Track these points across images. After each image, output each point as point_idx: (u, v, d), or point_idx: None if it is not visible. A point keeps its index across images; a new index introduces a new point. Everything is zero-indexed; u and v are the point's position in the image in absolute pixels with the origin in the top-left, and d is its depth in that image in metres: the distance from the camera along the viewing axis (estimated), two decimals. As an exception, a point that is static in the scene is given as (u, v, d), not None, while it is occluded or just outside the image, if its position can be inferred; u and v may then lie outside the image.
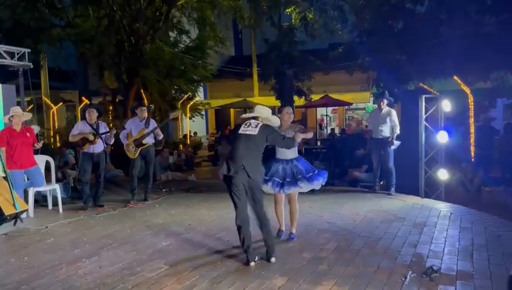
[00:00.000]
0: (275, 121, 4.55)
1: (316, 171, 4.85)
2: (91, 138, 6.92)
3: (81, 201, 7.13)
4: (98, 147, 7.05)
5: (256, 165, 4.21)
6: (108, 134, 7.13)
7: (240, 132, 4.25)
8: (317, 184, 4.81)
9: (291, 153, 4.87)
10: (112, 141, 7.38)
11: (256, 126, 4.22)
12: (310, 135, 4.80)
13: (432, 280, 3.67)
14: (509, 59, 10.06)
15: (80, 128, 7.03)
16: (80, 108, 17.88)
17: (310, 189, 4.86)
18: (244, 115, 4.44)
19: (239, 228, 4.24)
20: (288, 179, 4.77)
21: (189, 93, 17.67)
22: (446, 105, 7.19)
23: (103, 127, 7.19)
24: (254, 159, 4.21)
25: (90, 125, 7.03)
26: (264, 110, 4.43)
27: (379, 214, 6.09)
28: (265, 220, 4.26)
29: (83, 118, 7.29)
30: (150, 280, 3.88)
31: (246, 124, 4.27)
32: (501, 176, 9.46)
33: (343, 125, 22.68)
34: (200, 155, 17.91)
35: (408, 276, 3.77)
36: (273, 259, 4.22)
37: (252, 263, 4.15)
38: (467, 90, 10.28)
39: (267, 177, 4.78)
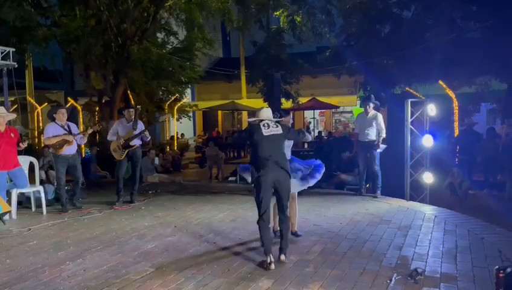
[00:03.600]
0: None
1: (313, 166, 5.15)
2: (70, 139, 6.79)
3: (61, 204, 7.00)
4: (73, 148, 6.91)
5: (285, 158, 4.53)
6: (81, 135, 7.00)
7: (264, 134, 4.42)
8: (319, 176, 5.10)
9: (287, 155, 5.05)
10: (84, 142, 7.28)
11: (277, 126, 4.53)
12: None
13: (416, 283, 3.70)
14: (493, 65, 10.25)
15: (53, 130, 6.81)
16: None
17: (313, 183, 5.13)
18: (251, 120, 4.70)
19: (262, 227, 4.29)
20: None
21: (177, 95, 17.61)
22: (431, 109, 7.29)
23: (74, 128, 7.05)
24: (283, 154, 4.51)
25: (62, 126, 6.87)
26: (270, 112, 4.70)
27: (365, 217, 6.14)
28: (286, 214, 4.47)
29: (51, 119, 6.99)
30: (135, 282, 3.84)
31: (265, 126, 4.47)
32: (484, 180, 9.61)
33: (331, 128, 22.82)
34: (188, 157, 17.84)
35: (393, 278, 3.80)
36: (282, 256, 4.31)
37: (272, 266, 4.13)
38: (452, 94, 10.44)
39: None
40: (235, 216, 6.34)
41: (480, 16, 10.37)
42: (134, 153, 7.40)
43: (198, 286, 3.73)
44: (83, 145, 8.31)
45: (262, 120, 4.53)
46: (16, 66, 7.71)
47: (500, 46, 9.67)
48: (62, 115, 6.91)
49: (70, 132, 6.86)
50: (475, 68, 10.63)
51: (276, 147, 4.43)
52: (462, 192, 8.76)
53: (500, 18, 9.52)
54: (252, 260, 4.37)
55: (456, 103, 11.24)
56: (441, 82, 10.72)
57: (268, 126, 4.48)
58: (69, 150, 6.85)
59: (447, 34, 10.32)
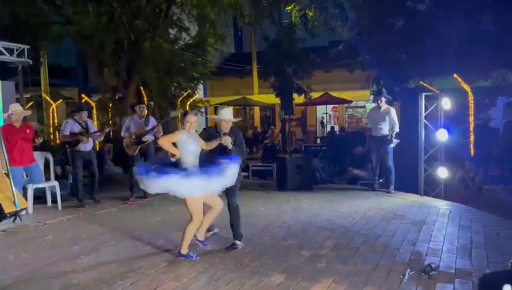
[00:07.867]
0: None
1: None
2: (85, 138, 7.00)
3: (77, 198, 7.14)
4: (89, 145, 7.15)
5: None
6: (99, 133, 7.31)
7: None
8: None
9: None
10: (101, 139, 7.52)
11: None
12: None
13: (430, 278, 3.67)
14: (509, 57, 10.04)
15: (71, 127, 7.06)
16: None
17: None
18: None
19: None
20: None
21: (189, 91, 17.65)
22: (446, 103, 7.20)
23: (92, 126, 7.34)
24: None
25: (80, 124, 7.09)
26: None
27: (378, 212, 6.09)
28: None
29: (71, 116, 7.32)
30: (149, 276, 3.88)
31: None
32: (500, 175, 9.45)
33: (343, 123, 22.68)
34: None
35: (407, 274, 3.77)
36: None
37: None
38: (467, 88, 10.24)
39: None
40: (246, 211, 6.31)
41: (495, 8, 10.17)
42: (147, 149, 7.47)
43: (211, 281, 3.74)
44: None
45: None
46: (31, 63, 7.82)
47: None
48: (84, 114, 7.20)
49: (87, 130, 7.08)
50: (490, 61, 10.42)
51: None
52: (474, 186, 8.64)
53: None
54: (265, 254, 4.37)
55: (472, 96, 11.04)
56: (455, 75, 10.54)
57: None
58: (85, 146, 7.08)
59: (461, 27, 10.13)
